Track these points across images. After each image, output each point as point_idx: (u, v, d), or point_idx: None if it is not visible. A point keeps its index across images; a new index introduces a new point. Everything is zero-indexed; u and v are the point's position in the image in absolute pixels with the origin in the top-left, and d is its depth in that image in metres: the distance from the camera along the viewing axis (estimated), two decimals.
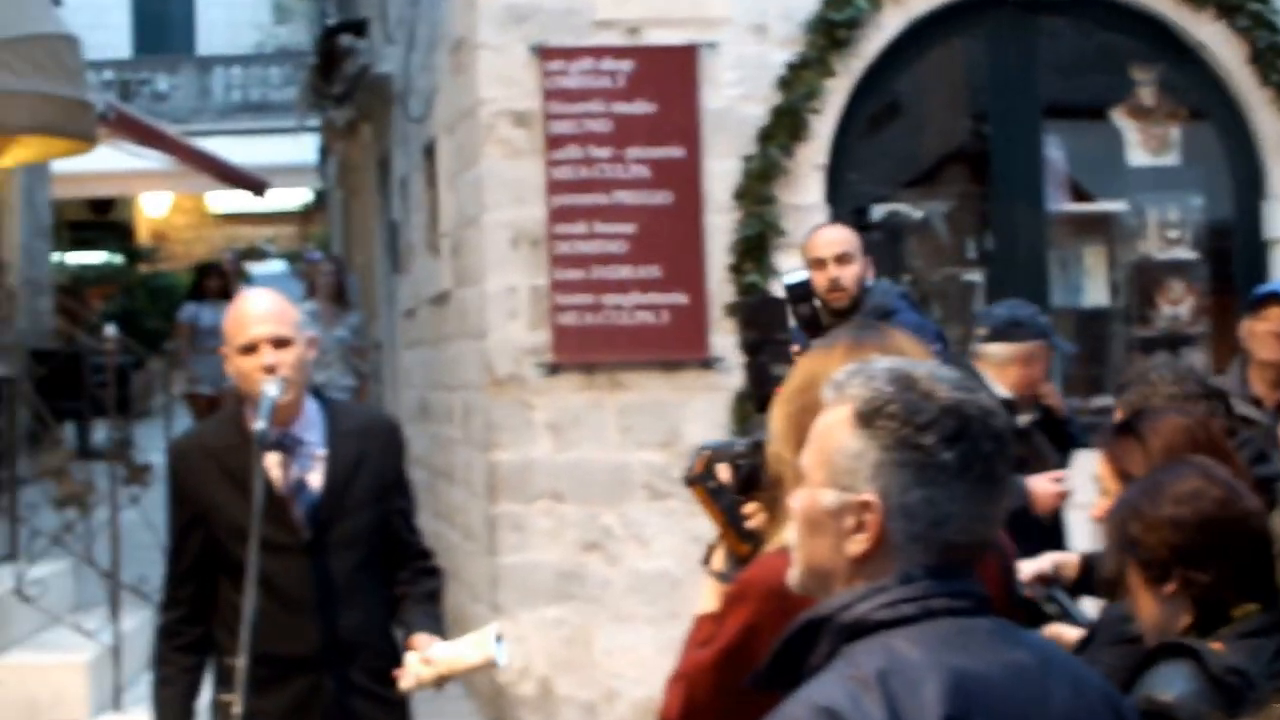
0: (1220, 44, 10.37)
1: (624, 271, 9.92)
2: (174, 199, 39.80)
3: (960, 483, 2.68)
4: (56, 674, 9.49)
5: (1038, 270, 10.41)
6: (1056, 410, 7.57)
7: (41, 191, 21.24)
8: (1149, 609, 3.91)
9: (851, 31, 10.05)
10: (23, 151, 16.75)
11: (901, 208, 11.53)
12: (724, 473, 3.67)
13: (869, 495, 2.68)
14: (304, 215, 40.61)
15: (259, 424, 4.94)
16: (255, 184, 26.96)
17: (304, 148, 28.72)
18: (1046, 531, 7.01)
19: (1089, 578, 5.92)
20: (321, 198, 34.15)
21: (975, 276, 11.23)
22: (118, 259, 35.29)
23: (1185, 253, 11.08)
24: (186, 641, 5.32)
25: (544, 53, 9.92)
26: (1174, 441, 4.51)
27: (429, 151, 12.53)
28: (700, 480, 3.70)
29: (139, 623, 10.39)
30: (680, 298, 9.91)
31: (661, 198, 9.94)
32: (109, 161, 23.04)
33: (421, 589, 5.40)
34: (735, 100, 10.06)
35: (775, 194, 10.00)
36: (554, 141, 9.91)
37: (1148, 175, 11.02)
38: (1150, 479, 4.05)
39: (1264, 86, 10.32)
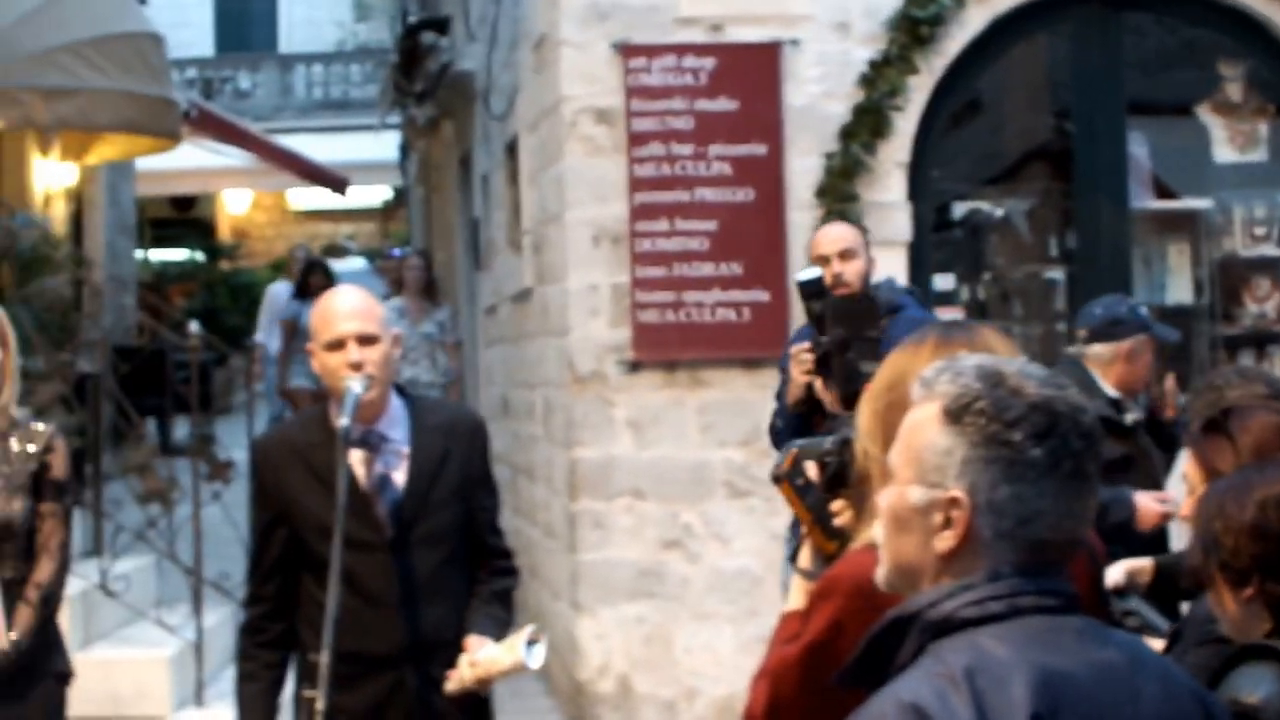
0: None
1: (705, 269, 9.91)
2: (255, 196, 40.06)
3: (1049, 480, 2.66)
4: (140, 668, 9.61)
5: (1121, 268, 10.34)
6: (1161, 410, 7.58)
7: (125, 189, 21.42)
8: (1231, 610, 3.88)
9: (935, 29, 10.01)
10: (108, 149, 16.91)
11: (983, 205, 11.49)
12: (811, 470, 3.65)
13: (957, 492, 2.67)
14: (384, 212, 40.78)
15: (343, 421, 4.95)
16: (336, 181, 27.07)
17: (385, 145, 28.85)
18: (1148, 543, 6.99)
19: (1165, 583, 5.89)
20: (401, 195, 34.27)
21: (1057, 274, 11.17)
22: (199, 256, 35.51)
23: (1272, 250, 11.00)
24: (270, 638, 5.33)
25: (626, 50, 9.92)
26: (1263, 439, 4.47)
27: (511, 149, 12.55)
28: (787, 477, 3.69)
29: (220, 618, 10.47)
30: (761, 295, 9.89)
31: (743, 195, 9.93)
32: (191, 159, 23.22)
33: (491, 588, 5.39)
34: (817, 97, 10.04)
35: (857, 191, 9.98)
36: (636, 139, 9.91)
37: (1234, 172, 10.94)
38: (1239, 477, 4.01)
39: None
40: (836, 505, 3.61)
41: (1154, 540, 7.14)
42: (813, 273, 7.15)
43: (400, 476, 5.22)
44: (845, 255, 7.59)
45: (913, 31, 9.98)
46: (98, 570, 9.73)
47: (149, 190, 27.18)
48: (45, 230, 14.46)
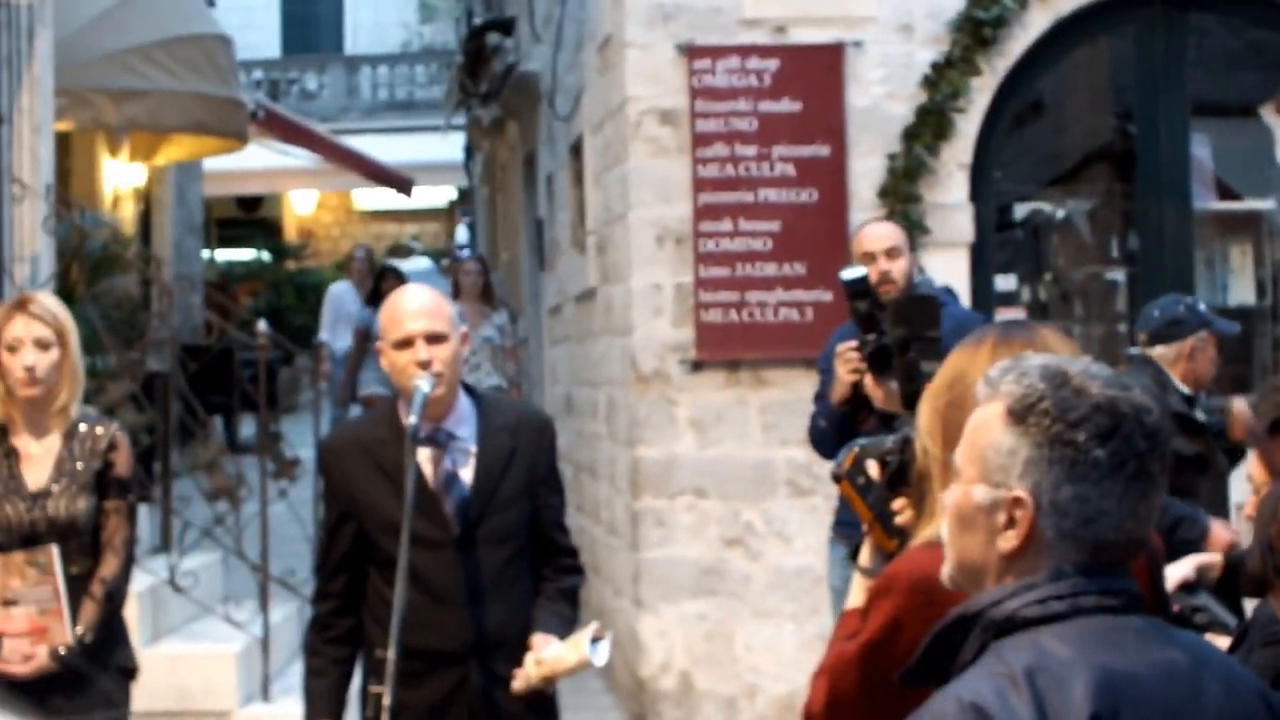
0: None
1: (768, 269, 9.95)
2: (320, 196, 40.18)
3: (1112, 480, 2.66)
4: (207, 663, 9.62)
5: (1184, 269, 10.33)
6: (1232, 432, 7.62)
7: (193, 189, 21.56)
8: None
9: (997, 31, 10.03)
10: (176, 150, 17.06)
11: (1044, 206, 11.50)
12: (873, 469, 3.70)
13: (1021, 492, 2.68)
14: (450, 212, 40.88)
15: (411, 419, 4.96)
16: (402, 182, 27.18)
17: (450, 145, 28.90)
18: None
19: (1235, 579, 5.89)
20: (465, 195, 34.35)
21: (1118, 275, 11.17)
22: (265, 256, 35.67)
23: None
24: (337, 634, 5.35)
25: (691, 51, 9.97)
26: None
27: (575, 149, 12.61)
28: (848, 475, 3.74)
29: (286, 614, 10.52)
30: (824, 295, 9.91)
31: (806, 196, 9.96)
32: (258, 159, 23.37)
33: (557, 586, 5.40)
34: (880, 99, 10.07)
35: (920, 192, 10.01)
36: (700, 139, 9.96)
37: None
38: None
39: None
40: (897, 504, 3.65)
41: None
42: (858, 271, 7.20)
43: (467, 474, 5.23)
44: (892, 253, 7.62)
45: (975, 33, 10.00)
46: (166, 566, 9.73)
47: (216, 190, 27.34)
48: (114, 230, 14.58)
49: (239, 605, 10.04)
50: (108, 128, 14.97)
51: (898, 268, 7.60)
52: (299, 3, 43.29)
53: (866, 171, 10.03)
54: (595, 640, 5.05)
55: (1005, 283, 10.63)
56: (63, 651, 5.89)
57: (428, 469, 5.18)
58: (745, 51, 9.99)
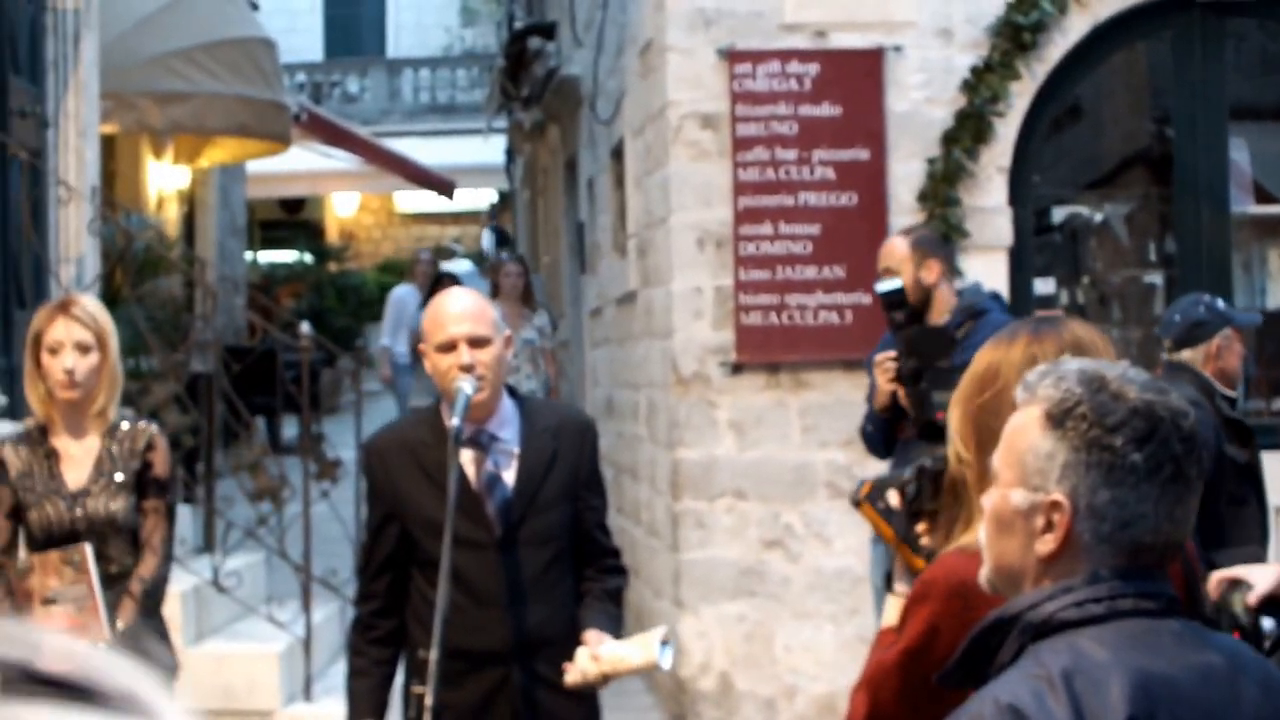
0: None
1: (808, 272, 9.97)
2: (362, 199, 40.28)
3: (1149, 484, 2.67)
4: (250, 663, 9.67)
5: (1222, 273, 10.32)
6: None
7: (236, 191, 21.65)
8: None
9: (1036, 35, 10.04)
10: (220, 152, 17.16)
11: (1082, 210, 11.50)
12: (893, 498, 3.75)
13: (1058, 496, 2.69)
14: (490, 215, 40.95)
15: (454, 421, 4.99)
16: (443, 185, 27.25)
17: (491, 149, 28.95)
18: None
19: None
20: (506, 198, 34.40)
21: (1156, 278, 11.17)
22: (307, 258, 35.79)
23: None
24: (380, 634, 5.37)
25: (732, 56, 10.00)
26: None
27: (617, 153, 12.64)
28: (868, 500, 3.80)
29: (328, 614, 10.58)
30: (864, 298, 9.92)
31: (846, 199, 9.99)
32: (300, 162, 23.47)
33: (603, 586, 5.41)
34: (920, 103, 10.09)
35: (959, 196, 10.02)
36: (741, 143, 9.99)
37: None
38: None
39: None
40: (920, 528, 3.71)
41: None
42: (893, 284, 7.31)
43: (510, 476, 5.26)
44: (888, 272, 7.71)
45: (1015, 38, 10.01)
46: (210, 567, 9.78)
47: (259, 193, 27.43)
48: (159, 232, 14.66)
49: (282, 605, 10.07)
50: (152, 131, 15.06)
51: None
52: (342, 6, 43.42)
53: (906, 175, 10.06)
54: (664, 643, 5.08)
55: (1044, 286, 10.64)
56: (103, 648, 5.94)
57: (470, 471, 5.21)
58: (786, 56, 10.01)
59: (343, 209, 40.93)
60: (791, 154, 9.97)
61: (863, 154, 10.00)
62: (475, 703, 5.19)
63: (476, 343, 5.13)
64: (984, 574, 2.85)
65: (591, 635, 5.17)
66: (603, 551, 5.49)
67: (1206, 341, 7.33)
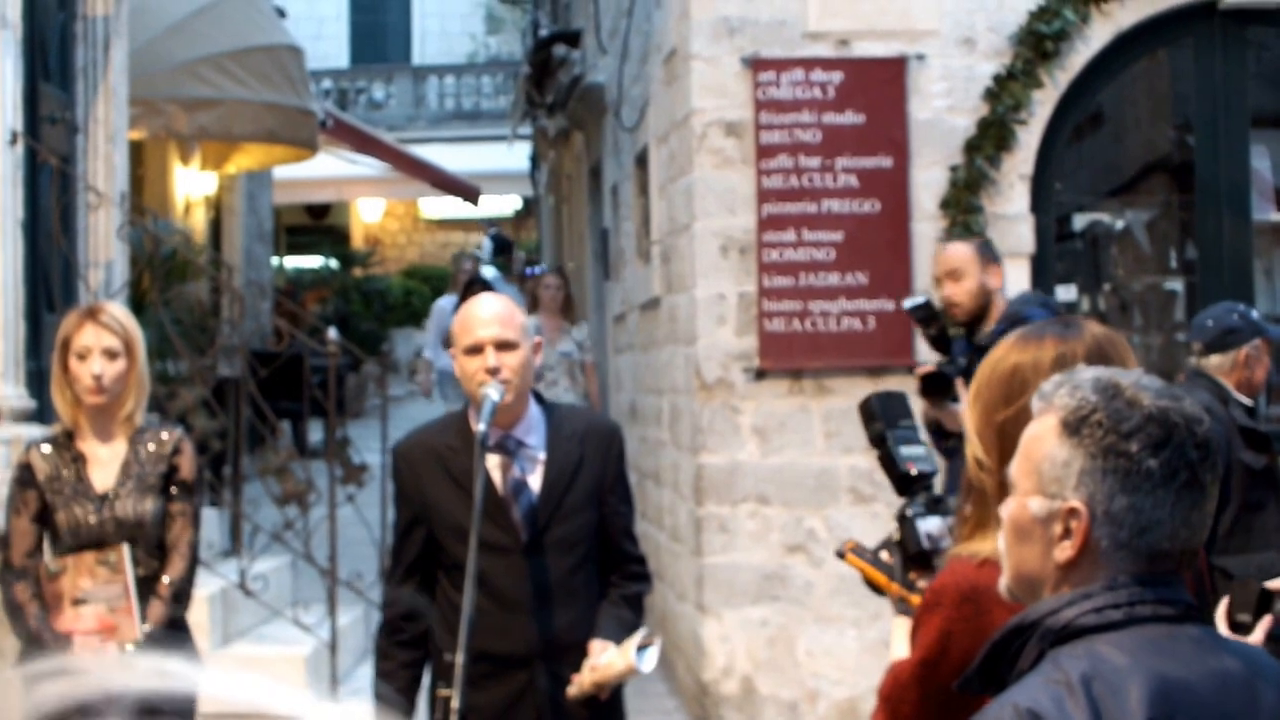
0: None
1: (831, 279, 10.01)
2: (388, 204, 40.37)
3: (1165, 490, 2.69)
4: (276, 666, 9.67)
5: (1243, 280, 10.34)
6: None
7: (263, 197, 21.71)
8: None
9: (1059, 44, 10.07)
10: (246, 158, 17.24)
11: (1103, 217, 11.52)
12: (885, 555, 3.82)
13: (1076, 503, 2.71)
14: (515, 221, 41.02)
15: (481, 426, 5.00)
16: (468, 191, 27.30)
17: (515, 155, 28.99)
18: None
19: None
20: (531, 204, 34.46)
21: (1176, 285, 11.19)
22: (333, 263, 35.89)
23: None
24: (407, 637, 5.39)
25: (756, 64, 10.05)
26: None
27: (641, 160, 12.67)
28: (854, 552, 3.87)
29: (354, 617, 10.62)
30: (886, 305, 9.98)
31: (869, 206, 10.03)
32: (326, 168, 23.54)
33: (621, 592, 5.44)
34: (942, 111, 10.13)
35: (981, 203, 10.06)
36: (764, 151, 10.03)
37: None
38: None
39: None
40: (913, 576, 3.77)
41: None
42: (917, 299, 7.42)
43: (536, 482, 5.28)
44: (952, 275, 7.77)
45: (1037, 46, 10.05)
46: (237, 570, 9.81)
47: (285, 198, 27.51)
48: (187, 237, 14.73)
49: (307, 609, 10.10)
50: (180, 136, 15.13)
51: (960, 290, 7.74)
52: (368, 13, 43.57)
53: (928, 183, 10.10)
54: (643, 647, 5.10)
55: (1065, 293, 10.66)
56: (132, 648, 5.96)
57: (497, 476, 5.24)
58: (809, 64, 10.05)
59: (368, 215, 41.01)
60: (815, 161, 10.00)
61: (885, 162, 10.04)
62: (500, 706, 5.21)
63: (503, 346, 5.16)
64: (1003, 582, 2.87)
65: (595, 645, 5.22)
66: (627, 558, 5.50)
67: (1236, 349, 7.37)
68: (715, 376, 10.07)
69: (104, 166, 10.33)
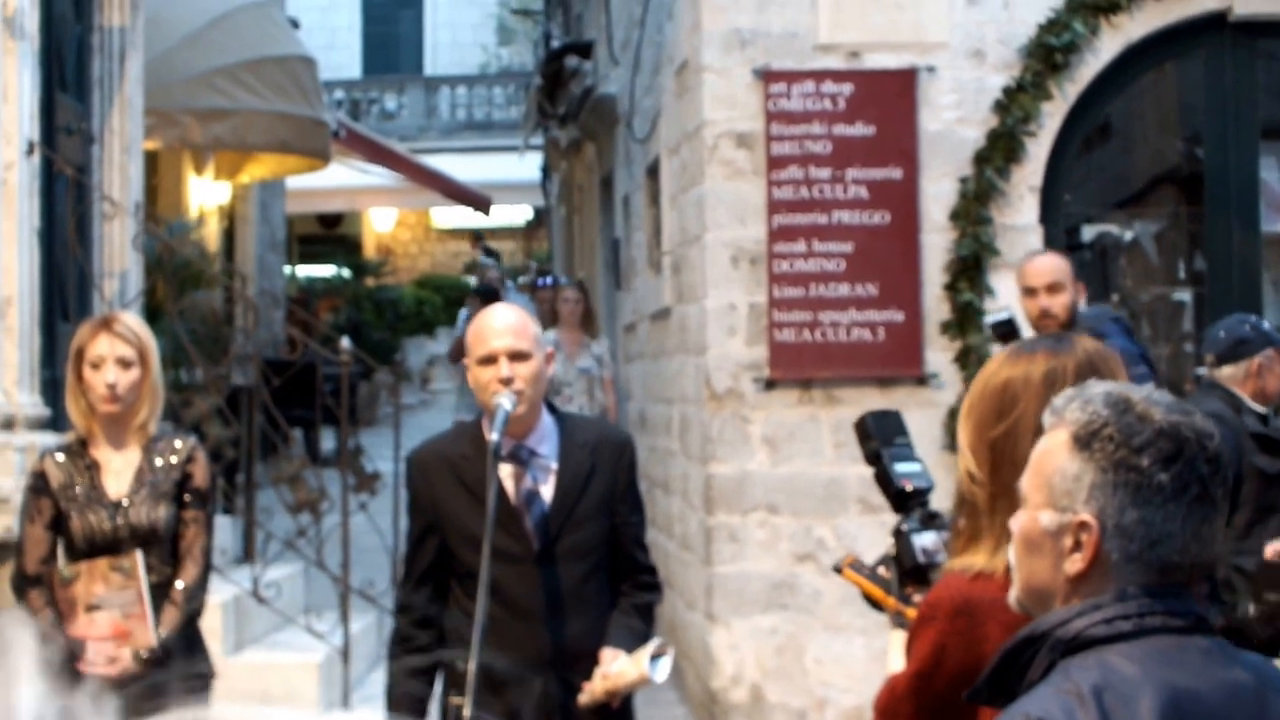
0: None
1: (841, 289, 10.04)
2: (400, 214, 40.42)
3: (1176, 504, 2.70)
4: (289, 673, 9.74)
5: (1252, 291, 10.39)
6: None
7: (276, 206, 21.76)
8: None
9: (1068, 56, 10.11)
10: (260, 168, 17.29)
11: (1112, 228, 11.56)
12: (882, 570, 3.87)
13: (1086, 516, 2.72)
14: (527, 231, 41.09)
15: (493, 435, 5.02)
16: (479, 200, 27.33)
17: (527, 165, 29.02)
18: None
19: None
20: (542, 214, 34.51)
21: (1184, 296, 11.22)
22: (345, 272, 35.95)
23: None
24: (419, 645, 5.41)
25: (767, 76, 10.09)
26: None
27: (652, 171, 12.70)
28: (851, 568, 3.92)
29: (366, 625, 10.66)
30: (896, 315, 10.02)
31: (879, 218, 10.06)
32: (338, 177, 23.55)
33: (632, 601, 5.46)
34: (952, 123, 10.17)
35: (991, 215, 10.09)
36: (775, 162, 10.06)
37: None
38: None
39: None
40: (909, 590, 3.82)
41: None
42: (1003, 314, 7.47)
43: (548, 491, 5.31)
44: (1053, 289, 7.78)
45: (1047, 59, 10.09)
46: (249, 577, 9.87)
47: (298, 208, 27.54)
48: (200, 246, 14.78)
49: (320, 616, 10.14)
50: (194, 146, 15.18)
51: (1058, 303, 7.76)
52: (380, 24, 43.68)
53: (938, 194, 10.14)
54: (656, 656, 5.13)
55: None
56: (145, 654, 6.01)
57: (509, 485, 5.26)
58: (820, 76, 10.09)
59: (380, 224, 41.07)
60: (825, 173, 10.04)
61: (895, 173, 10.08)
62: (511, 713, 5.21)
63: (517, 357, 5.18)
64: (1013, 594, 2.88)
65: (606, 654, 5.24)
66: (638, 568, 5.52)
67: (1248, 359, 7.45)
68: (725, 386, 10.11)
69: (119, 176, 10.39)
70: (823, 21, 10.15)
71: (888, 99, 10.11)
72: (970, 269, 10.05)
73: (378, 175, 26.38)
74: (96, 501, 6.09)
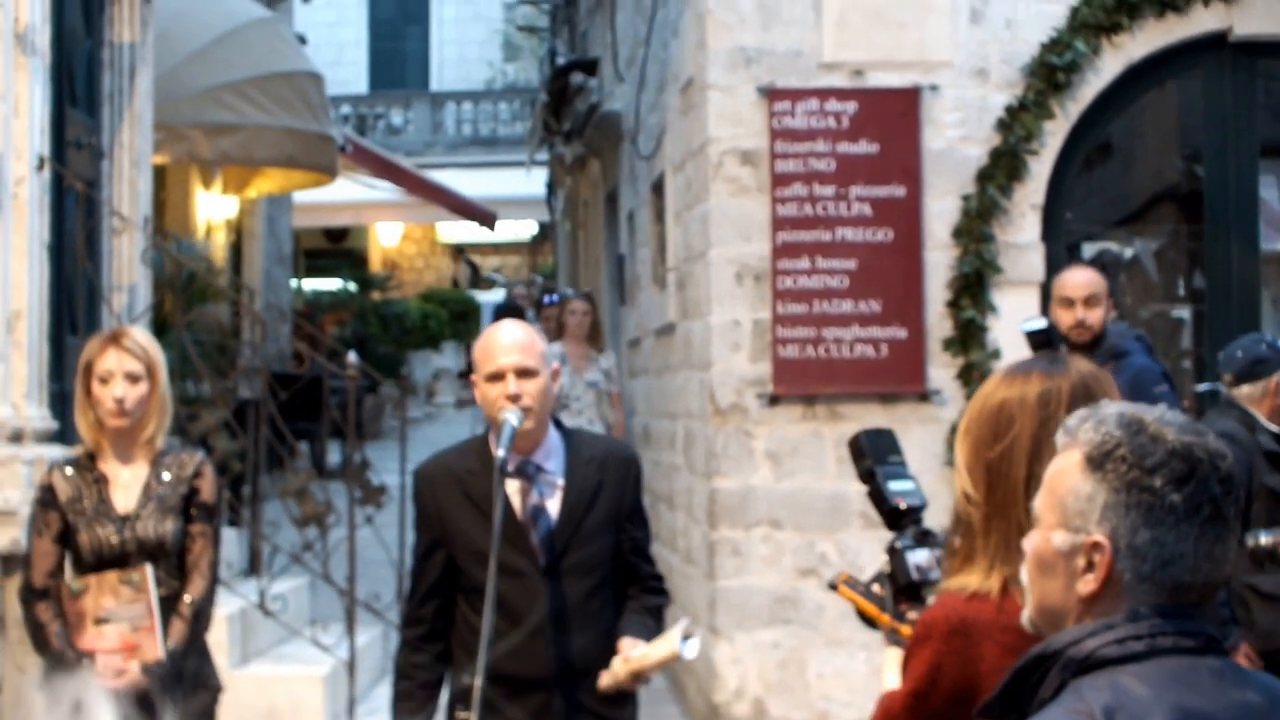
0: None
1: (845, 306, 10.09)
2: (405, 228, 40.45)
3: (1188, 524, 2.69)
4: (295, 685, 9.77)
5: (1250, 309, 10.45)
6: None
7: (283, 220, 21.80)
8: None
9: (1070, 75, 10.17)
10: (267, 183, 17.34)
11: (1112, 245, 11.61)
12: (876, 587, 3.92)
13: (1099, 537, 2.72)
14: (532, 246, 41.13)
15: (500, 451, 5.03)
16: (484, 215, 27.39)
17: (532, 180, 29.06)
18: None
19: None
20: (546, 229, 34.55)
21: (1183, 313, 11.27)
22: (351, 286, 36.00)
23: None
24: (426, 659, 5.44)
25: (771, 94, 10.15)
26: None
27: (657, 187, 12.75)
28: (847, 584, 3.97)
29: (372, 637, 10.68)
30: (899, 332, 10.08)
31: (882, 235, 10.12)
32: (345, 192, 23.60)
33: (643, 602, 5.49)
34: (955, 141, 10.23)
35: (993, 232, 10.15)
36: (779, 179, 10.12)
37: None
38: None
39: None
40: (903, 607, 3.87)
41: None
42: (1039, 323, 7.57)
43: (554, 507, 5.33)
44: (1090, 301, 7.90)
45: (1049, 78, 10.15)
46: (256, 590, 9.90)
47: (304, 222, 27.56)
48: (209, 261, 14.82)
49: (326, 628, 10.17)
50: (202, 161, 15.23)
51: (1094, 316, 7.89)
52: (387, 40, 43.76)
53: (941, 211, 10.20)
54: (686, 637, 5.14)
55: None
56: (154, 667, 6.04)
57: (516, 500, 5.29)
58: (824, 94, 10.15)
59: (386, 238, 41.09)
60: (829, 190, 10.10)
61: (899, 190, 10.14)
62: None
63: (524, 374, 5.21)
64: (1026, 614, 2.89)
65: (625, 642, 5.26)
66: (646, 576, 5.56)
67: (1266, 378, 7.53)
68: (729, 401, 10.16)
69: (129, 191, 10.43)
70: (827, 40, 10.21)
71: (891, 117, 10.17)
72: (973, 286, 10.11)
73: (384, 190, 26.44)
74: (104, 515, 6.11)
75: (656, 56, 12.68)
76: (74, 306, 9.78)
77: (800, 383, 10.12)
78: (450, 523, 5.36)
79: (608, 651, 5.31)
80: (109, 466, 6.20)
